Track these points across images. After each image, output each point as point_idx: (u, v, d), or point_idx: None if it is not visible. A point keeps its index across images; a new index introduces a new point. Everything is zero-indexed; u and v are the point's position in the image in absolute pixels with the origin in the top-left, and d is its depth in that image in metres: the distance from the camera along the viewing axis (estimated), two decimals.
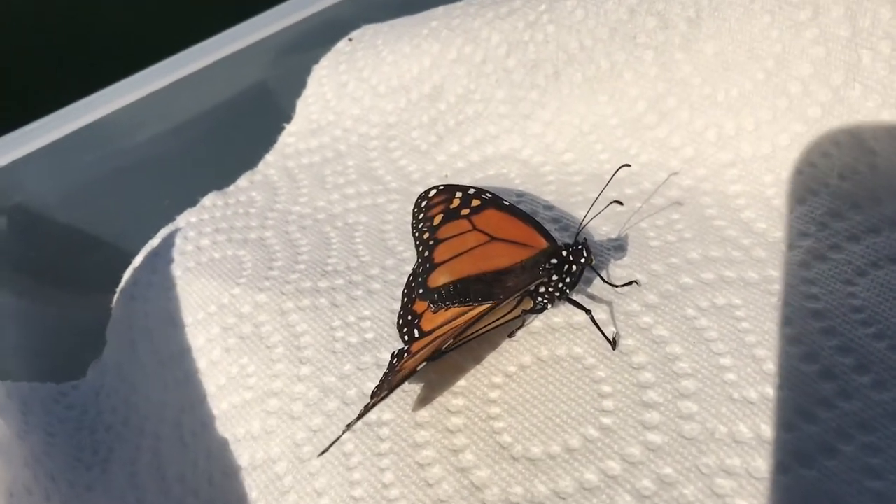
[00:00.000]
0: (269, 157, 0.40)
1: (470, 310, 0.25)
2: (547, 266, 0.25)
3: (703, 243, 0.27)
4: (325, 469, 0.25)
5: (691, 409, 0.23)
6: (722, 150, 0.29)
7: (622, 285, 0.26)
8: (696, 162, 0.30)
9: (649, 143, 0.31)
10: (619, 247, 0.28)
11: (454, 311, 0.26)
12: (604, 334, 0.24)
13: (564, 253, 0.25)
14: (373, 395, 0.24)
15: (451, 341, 0.23)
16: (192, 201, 0.39)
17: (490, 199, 0.28)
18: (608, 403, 0.23)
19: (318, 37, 0.43)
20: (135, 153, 0.41)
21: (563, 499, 0.22)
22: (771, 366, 0.23)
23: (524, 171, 0.33)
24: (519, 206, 0.30)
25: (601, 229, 0.29)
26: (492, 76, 0.35)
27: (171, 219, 0.38)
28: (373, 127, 0.38)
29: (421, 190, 0.33)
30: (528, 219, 0.27)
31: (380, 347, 0.28)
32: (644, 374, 0.24)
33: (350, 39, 0.41)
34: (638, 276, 0.27)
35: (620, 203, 0.27)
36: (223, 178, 0.40)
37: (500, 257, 0.26)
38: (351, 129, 0.38)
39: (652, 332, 0.25)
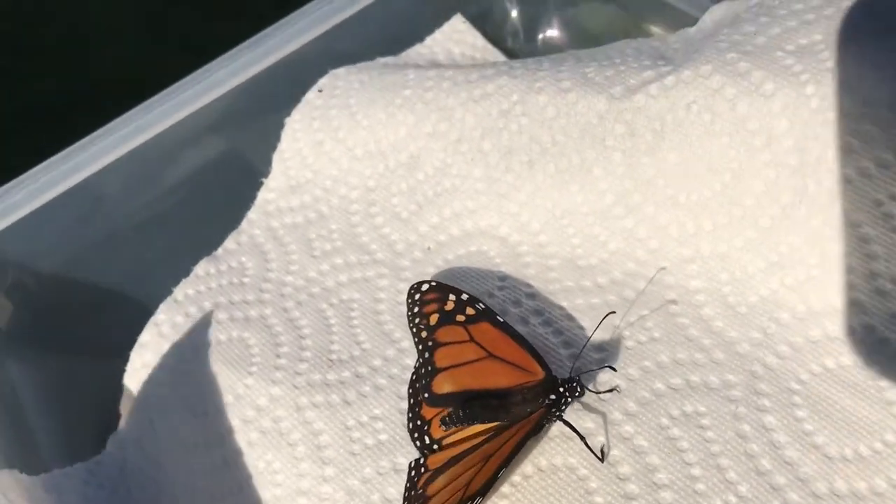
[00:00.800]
0: (252, 216, 0.42)
1: (475, 430, 0.29)
2: (547, 402, 0.29)
3: (671, 345, 0.31)
4: None
5: None
6: (683, 245, 0.33)
7: (604, 392, 0.30)
8: (660, 254, 0.34)
9: (618, 232, 0.35)
10: (598, 347, 0.32)
11: (454, 429, 0.30)
12: (594, 452, 0.29)
13: (561, 389, 0.29)
14: None
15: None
16: (180, 262, 0.41)
17: (483, 312, 0.31)
18: None
19: (281, 82, 0.44)
20: (111, 217, 0.42)
21: None
22: (733, 474, 0.28)
23: (503, 250, 0.36)
24: (501, 291, 0.34)
25: (580, 325, 0.33)
26: (467, 154, 0.37)
27: (164, 287, 0.40)
28: (352, 189, 0.40)
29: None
30: (521, 341, 0.30)
31: (395, 451, 0.32)
32: (629, 486, 0.28)
33: (320, 91, 0.42)
34: (617, 381, 0.31)
35: (614, 312, 0.31)
36: (208, 232, 0.42)
37: (500, 377, 0.30)
38: (331, 190, 0.41)
39: (633, 441, 0.29)
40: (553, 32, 0.47)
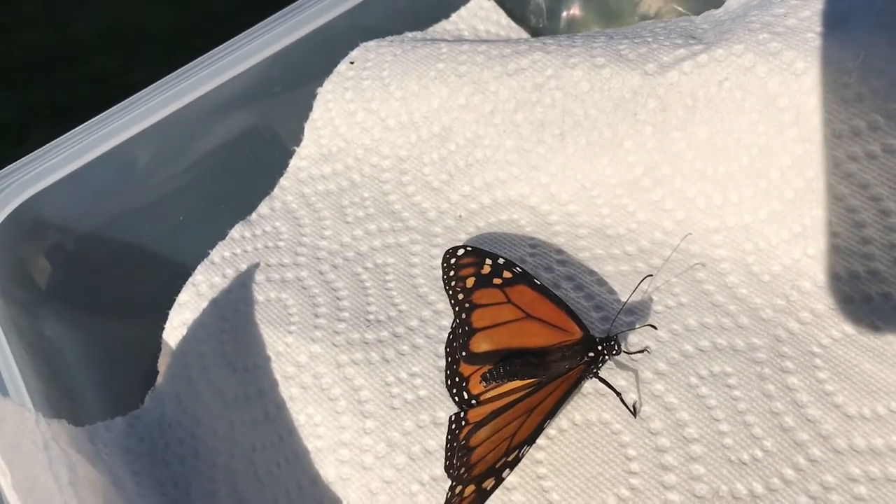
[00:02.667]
0: (285, 182, 0.43)
1: (513, 386, 0.31)
2: (585, 359, 0.30)
3: (698, 310, 0.33)
4: None
5: (700, 471, 0.29)
6: (709, 217, 0.35)
7: (636, 352, 0.32)
8: (686, 225, 0.35)
9: (645, 203, 0.36)
10: (628, 310, 0.34)
11: (493, 384, 0.31)
12: (627, 407, 0.31)
13: (599, 347, 0.30)
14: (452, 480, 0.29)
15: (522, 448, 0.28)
16: (214, 229, 0.42)
17: (521, 275, 0.33)
18: (634, 466, 0.30)
19: (313, 54, 0.45)
20: (144, 183, 0.43)
21: None
22: (759, 430, 0.30)
23: (533, 219, 0.38)
24: (532, 257, 0.36)
25: (611, 289, 0.35)
26: (500, 126, 0.39)
27: (201, 250, 0.41)
28: (384, 158, 0.42)
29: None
30: (559, 302, 0.32)
31: (434, 406, 0.33)
32: (661, 440, 0.30)
33: (352, 63, 0.44)
34: (648, 343, 0.32)
35: (651, 275, 0.32)
36: (241, 200, 0.43)
37: (538, 336, 0.32)
38: (363, 159, 0.42)
39: (664, 399, 0.31)
40: (576, 11, 0.48)
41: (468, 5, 0.48)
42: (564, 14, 0.48)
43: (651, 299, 0.34)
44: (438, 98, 0.40)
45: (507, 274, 0.33)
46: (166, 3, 0.66)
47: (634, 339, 0.33)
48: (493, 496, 0.28)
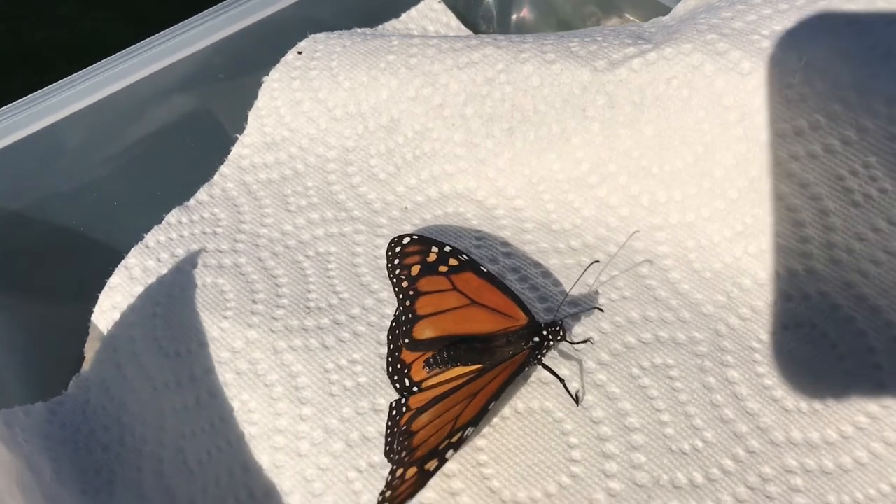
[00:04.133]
0: (225, 170, 0.42)
1: (456, 372, 0.30)
2: (531, 343, 0.30)
3: (641, 304, 0.33)
4: None
5: (641, 460, 0.29)
6: (653, 214, 0.35)
7: (579, 342, 0.32)
8: (630, 221, 0.36)
9: (591, 199, 0.36)
10: (572, 302, 0.34)
11: (437, 370, 0.31)
12: (570, 395, 0.30)
13: (545, 332, 0.30)
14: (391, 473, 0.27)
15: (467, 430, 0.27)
16: (149, 214, 0.41)
17: (468, 263, 0.32)
18: (576, 454, 0.30)
19: (259, 44, 0.45)
20: (76, 165, 0.42)
21: None
22: (699, 421, 0.30)
23: (480, 212, 0.38)
24: (478, 249, 0.35)
25: (555, 282, 0.35)
26: (449, 119, 0.38)
27: (134, 234, 0.40)
28: (330, 149, 0.41)
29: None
30: (505, 289, 0.32)
31: (374, 393, 0.32)
32: (603, 428, 0.30)
33: (300, 53, 0.43)
34: (591, 334, 0.32)
35: (598, 261, 0.32)
36: (178, 186, 0.42)
37: (483, 322, 0.31)
38: (308, 149, 0.41)
39: (606, 389, 0.31)
40: (526, 14, 0.49)
41: (418, 6, 0.48)
42: (514, 17, 0.48)
43: (595, 292, 0.34)
44: (387, 89, 0.40)
45: (453, 262, 0.33)
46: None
47: (578, 330, 0.33)
48: (432, 483, 0.28)
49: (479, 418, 0.28)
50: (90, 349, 0.38)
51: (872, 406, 0.30)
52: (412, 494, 0.26)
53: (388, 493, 0.26)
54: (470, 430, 0.27)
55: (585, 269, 0.33)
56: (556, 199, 0.37)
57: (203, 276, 0.37)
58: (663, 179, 0.35)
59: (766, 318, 0.32)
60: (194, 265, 0.38)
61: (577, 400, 0.31)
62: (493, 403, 0.28)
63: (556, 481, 0.29)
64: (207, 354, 0.34)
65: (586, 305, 0.33)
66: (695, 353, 0.32)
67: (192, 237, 0.39)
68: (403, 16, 0.48)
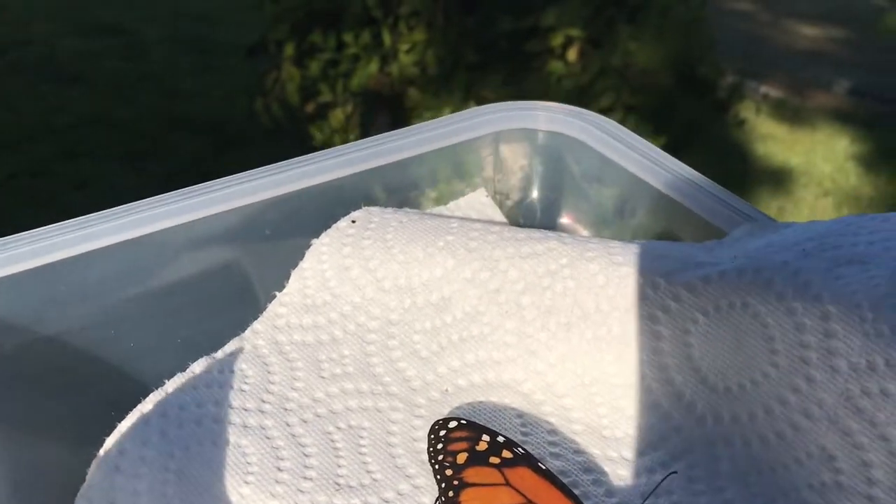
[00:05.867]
0: (258, 326, 0.40)
1: None
2: None
3: None
4: None
5: None
6: (715, 434, 0.34)
7: None
8: (689, 441, 0.34)
9: (648, 407, 0.35)
10: None
11: None
12: None
13: None
14: None
15: None
16: (169, 359, 0.38)
17: (524, 456, 0.30)
18: None
19: (312, 207, 0.45)
20: (98, 299, 0.40)
21: None
22: None
23: (525, 405, 0.36)
24: (524, 444, 0.33)
25: (609, 492, 0.32)
26: (504, 306, 0.38)
27: (151, 381, 0.37)
28: (372, 319, 0.40)
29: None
30: (567, 491, 0.29)
31: None
32: None
33: (353, 221, 0.43)
34: None
35: (675, 472, 0.31)
36: (204, 337, 0.40)
37: None
38: (349, 316, 0.40)
39: None
40: (568, 219, 0.50)
41: (467, 196, 0.49)
42: (559, 221, 0.49)
43: None
44: (443, 268, 0.39)
45: (507, 454, 0.31)
46: None
47: None
48: None
49: None
50: (82, 499, 0.34)
51: None
52: None
53: None
54: None
55: (663, 479, 0.31)
56: (609, 404, 0.35)
57: (225, 434, 0.34)
58: (729, 397, 0.34)
59: None
60: (217, 420, 0.35)
61: None
62: None
63: None
64: None
65: None
66: None
67: (217, 390, 0.37)
68: (451, 204, 0.49)
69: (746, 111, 1.71)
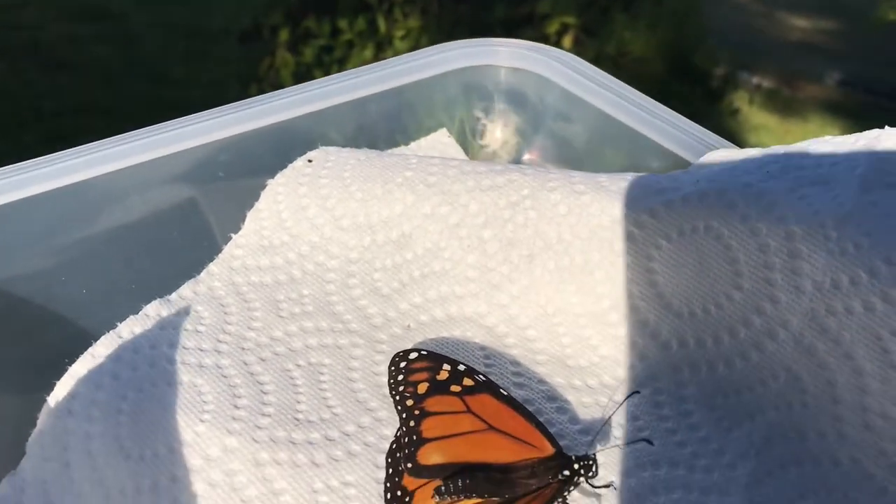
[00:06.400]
0: (214, 268, 0.39)
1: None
2: (560, 478, 0.27)
3: (665, 451, 0.31)
4: None
5: None
6: (679, 359, 0.33)
7: (600, 486, 0.29)
8: (654, 366, 0.33)
9: (610, 338, 0.34)
10: (591, 442, 0.31)
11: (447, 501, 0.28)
12: None
13: (576, 466, 0.27)
14: None
15: None
16: (122, 303, 0.37)
17: (485, 384, 0.30)
18: None
19: (266, 148, 0.43)
20: (53, 240, 0.39)
21: None
22: None
23: (489, 339, 0.35)
24: (489, 376, 0.33)
25: (573, 419, 0.32)
26: (465, 240, 0.37)
27: (106, 324, 0.36)
28: (332, 258, 0.39)
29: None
30: (528, 416, 0.29)
31: None
32: None
33: (310, 161, 0.41)
34: (612, 478, 0.29)
35: (638, 392, 0.31)
36: (157, 281, 0.39)
37: (502, 451, 0.28)
38: (307, 256, 0.39)
39: None
40: (535, 156, 0.49)
41: (428, 137, 0.48)
42: (525, 157, 0.48)
43: (615, 434, 0.31)
44: (402, 204, 0.38)
45: (468, 381, 0.30)
46: None
47: (599, 473, 0.30)
48: None
49: None
50: (35, 443, 0.33)
51: None
52: None
53: None
54: None
55: (625, 399, 0.30)
56: (573, 334, 0.35)
57: (180, 374, 0.33)
58: (693, 323, 0.33)
59: (794, 483, 0.30)
60: (171, 361, 0.34)
61: None
62: None
63: None
64: (177, 460, 0.30)
65: (604, 444, 0.31)
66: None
67: (171, 331, 0.35)
68: (412, 144, 0.48)
69: (740, 101, 1.71)
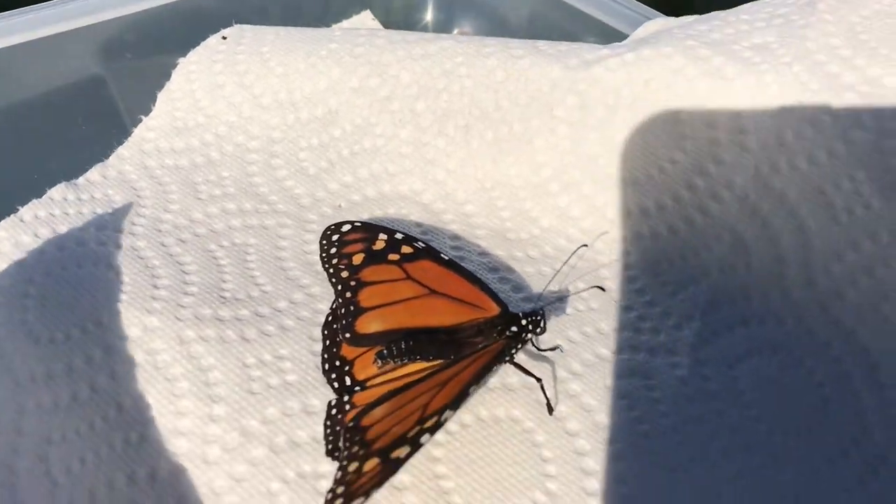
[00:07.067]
0: (124, 152, 0.36)
1: (412, 368, 0.26)
2: (508, 333, 0.26)
3: (608, 316, 0.30)
4: None
5: (625, 475, 0.25)
6: (619, 227, 0.32)
7: (546, 349, 0.28)
8: (593, 234, 0.32)
9: (550, 209, 0.33)
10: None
11: (390, 365, 0.26)
12: (548, 401, 0.26)
13: (524, 322, 0.26)
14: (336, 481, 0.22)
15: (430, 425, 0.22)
16: (23, 187, 0.34)
17: (425, 250, 0.28)
18: (551, 468, 0.25)
19: (176, 27, 0.40)
20: None
21: None
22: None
23: (425, 216, 0.33)
24: None
25: (516, 287, 0.31)
26: (397, 114, 0.35)
27: (5, 207, 0.33)
28: (252, 139, 0.36)
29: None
30: (472, 278, 0.27)
31: (306, 392, 0.27)
32: (580, 441, 0.26)
33: (224, 38, 0.38)
34: (558, 341, 0.28)
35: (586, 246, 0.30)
36: (60, 164, 0.36)
37: (445, 314, 0.27)
38: (225, 137, 0.36)
39: (581, 399, 0.27)
40: (468, 30, 0.47)
41: (351, 19, 0.45)
42: (456, 32, 0.46)
43: (561, 300, 0.30)
44: (327, 78, 0.36)
45: (406, 249, 0.28)
46: None
47: (542, 337, 0.29)
48: (380, 499, 0.22)
49: (459, 402, 0.23)
50: None
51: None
52: (376, 486, 0.20)
53: (339, 490, 0.21)
54: (449, 413, 0.22)
55: (573, 253, 0.29)
56: (512, 207, 0.33)
57: (92, 256, 0.31)
58: (633, 190, 0.32)
59: (739, 342, 0.30)
60: (81, 244, 0.31)
61: (550, 408, 0.26)
62: (473, 388, 0.24)
63: (530, 498, 0.24)
64: (92, 342, 0.28)
65: (551, 314, 0.29)
66: (674, 366, 0.28)
67: (79, 215, 0.33)
68: (335, 27, 0.45)
69: None
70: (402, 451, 0.21)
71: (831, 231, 0.30)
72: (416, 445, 0.21)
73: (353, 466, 0.22)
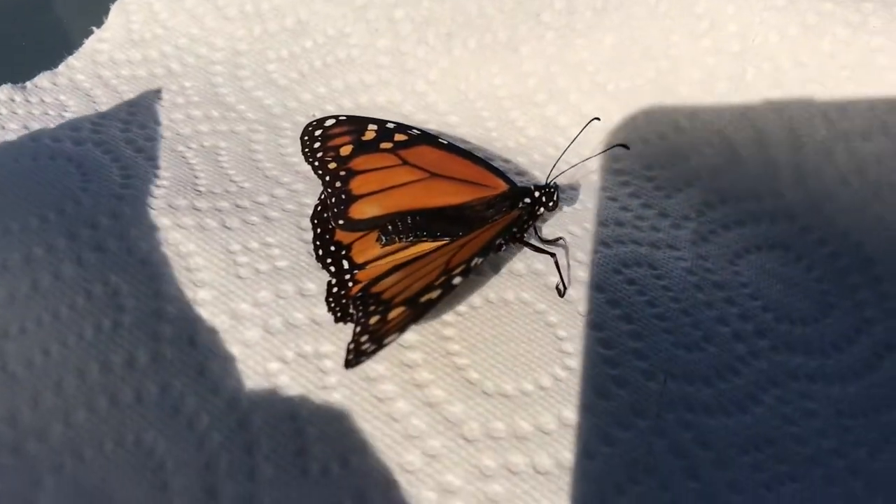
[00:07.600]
0: (75, 62, 0.33)
1: (420, 247, 0.24)
2: (521, 205, 0.24)
3: (609, 213, 0.29)
4: (258, 407, 0.22)
5: (644, 351, 0.24)
6: (608, 135, 0.32)
7: (551, 241, 0.27)
8: (581, 143, 0.32)
9: (537, 119, 0.32)
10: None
11: (395, 245, 0.24)
12: (561, 279, 0.25)
13: (537, 193, 0.25)
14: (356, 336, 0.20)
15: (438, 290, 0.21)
16: None
17: (421, 136, 0.27)
18: (567, 346, 0.24)
19: None
20: None
21: (548, 433, 0.22)
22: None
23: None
24: None
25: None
26: (373, 23, 0.33)
27: None
28: (216, 51, 0.34)
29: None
30: (475, 158, 0.26)
31: (300, 277, 0.25)
32: (594, 321, 0.24)
33: None
34: (560, 234, 0.27)
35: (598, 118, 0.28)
36: (10, 73, 0.33)
37: (451, 195, 0.25)
38: (186, 49, 0.34)
39: (590, 283, 0.26)
40: None
41: None
42: None
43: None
44: None
45: (400, 137, 0.27)
46: None
47: (546, 231, 0.27)
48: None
49: (486, 251, 0.21)
50: None
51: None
52: (402, 330, 0.19)
53: (363, 338, 0.19)
54: (478, 260, 0.21)
55: (589, 122, 0.28)
56: (497, 118, 0.32)
57: (47, 150, 0.28)
58: (619, 98, 0.32)
59: (737, 240, 0.29)
60: (35, 140, 0.28)
61: (562, 291, 0.25)
62: (500, 239, 0.22)
63: (550, 373, 0.23)
64: (55, 230, 0.25)
65: (549, 213, 0.28)
66: (681, 260, 0.27)
67: (29, 115, 0.30)
68: None
69: None
70: (432, 295, 0.20)
71: (820, 132, 0.29)
72: (449, 287, 0.20)
73: (374, 320, 0.20)
